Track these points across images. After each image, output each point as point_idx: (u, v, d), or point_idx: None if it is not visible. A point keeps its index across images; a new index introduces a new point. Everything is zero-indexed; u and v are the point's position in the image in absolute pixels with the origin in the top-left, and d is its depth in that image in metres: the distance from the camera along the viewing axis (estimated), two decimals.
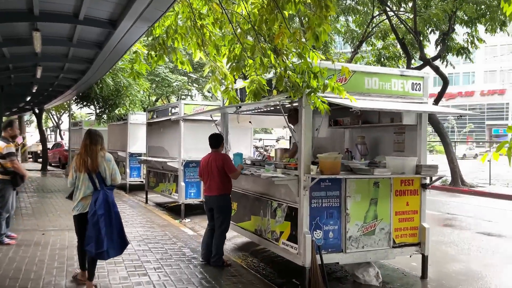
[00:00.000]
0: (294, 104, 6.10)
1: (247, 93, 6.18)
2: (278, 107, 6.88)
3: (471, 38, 17.01)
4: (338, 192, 5.83)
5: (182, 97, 26.03)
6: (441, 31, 16.94)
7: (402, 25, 17.14)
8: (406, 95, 6.25)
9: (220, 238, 6.41)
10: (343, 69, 5.36)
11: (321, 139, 8.95)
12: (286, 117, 6.31)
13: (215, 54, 6.26)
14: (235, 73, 6.07)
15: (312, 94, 5.26)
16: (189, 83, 25.47)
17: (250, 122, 8.77)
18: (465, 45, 17.08)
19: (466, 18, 16.32)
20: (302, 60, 5.29)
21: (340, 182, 5.80)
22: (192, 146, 10.97)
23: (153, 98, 25.14)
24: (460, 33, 17.46)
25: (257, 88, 5.90)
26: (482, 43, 17.46)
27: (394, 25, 17.02)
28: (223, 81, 6.43)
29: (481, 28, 16.59)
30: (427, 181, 6.32)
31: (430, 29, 16.87)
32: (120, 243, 5.10)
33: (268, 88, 6.14)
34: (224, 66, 6.35)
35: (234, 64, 5.95)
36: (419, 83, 6.33)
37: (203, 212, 11.83)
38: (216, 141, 6.60)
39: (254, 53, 5.62)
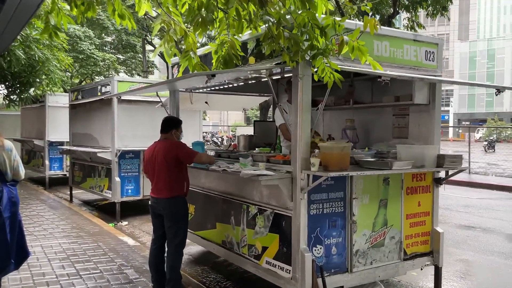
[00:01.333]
0: (287, 75, 4.53)
1: (212, 61, 4.49)
2: (252, 81, 5.29)
3: (411, 23, 16.43)
4: (342, 193, 4.37)
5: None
6: (382, 15, 16.16)
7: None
8: (419, 66, 4.90)
9: (175, 256, 4.71)
10: (357, 31, 3.83)
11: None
12: (286, 90, 4.63)
13: (169, 5, 4.46)
14: (199, 31, 4.34)
15: (319, 57, 3.70)
16: (118, 64, 22.87)
17: (206, 103, 7.04)
18: (406, 30, 16.45)
19: (407, 2, 15.69)
20: (301, 11, 3.71)
21: (345, 180, 4.35)
22: (129, 133, 9.02)
23: (76, 81, 22.25)
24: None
25: (229, 54, 4.23)
26: (421, 29, 16.98)
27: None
28: (181, 41, 4.67)
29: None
30: (441, 174, 5.06)
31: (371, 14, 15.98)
32: (19, 254, 4.36)
33: (242, 54, 4.50)
34: (182, 21, 4.58)
35: (198, 17, 4.21)
36: (433, 52, 5.01)
37: (143, 212, 10.12)
38: (166, 124, 4.85)
39: (228, 1, 3.92)
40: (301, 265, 4.05)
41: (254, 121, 7.52)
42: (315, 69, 3.84)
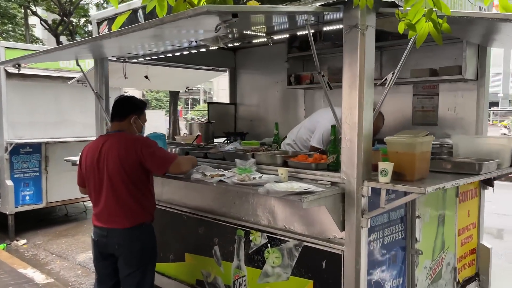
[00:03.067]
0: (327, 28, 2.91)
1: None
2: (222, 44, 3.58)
3: None
4: (402, 210, 2.92)
5: None
6: None
7: None
8: None
9: None
10: None
11: (252, 106, 5.85)
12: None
13: None
14: None
15: None
16: None
17: (146, 77, 5.08)
18: None
19: None
20: None
21: (402, 193, 2.89)
22: (25, 120, 6.65)
23: None
24: None
25: None
26: None
27: None
28: None
29: None
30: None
31: None
32: None
33: None
34: None
35: None
36: None
37: (48, 223, 7.55)
38: (120, 107, 2.98)
39: None
40: None
41: (209, 103, 5.75)
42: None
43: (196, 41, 3.69)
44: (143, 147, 2.79)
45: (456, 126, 4.00)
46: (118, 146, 2.82)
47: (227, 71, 5.96)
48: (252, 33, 3.35)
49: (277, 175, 2.86)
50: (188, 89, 6.47)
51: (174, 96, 17.88)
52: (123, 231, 2.83)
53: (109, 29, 4.40)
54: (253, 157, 3.16)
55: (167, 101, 33.61)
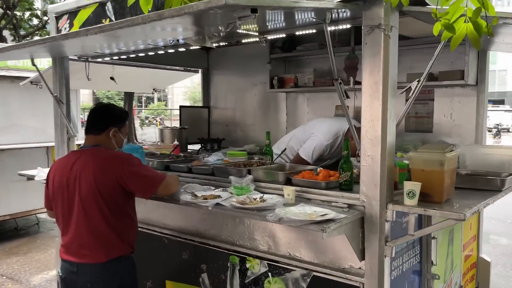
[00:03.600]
0: (341, 27, 2.56)
1: None
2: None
3: None
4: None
5: None
6: None
7: None
8: None
9: None
10: None
11: (227, 110, 5.45)
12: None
13: None
14: None
15: None
16: None
17: (112, 78, 4.55)
18: None
19: None
20: None
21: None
22: None
23: None
24: None
25: None
26: None
27: None
28: None
29: None
30: None
31: None
32: None
33: None
34: None
35: None
36: None
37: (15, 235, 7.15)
38: (98, 117, 2.51)
39: None
40: None
41: (181, 106, 5.28)
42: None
43: (178, 40, 3.26)
44: (125, 165, 2.33)
45: (452, 134, 3.80)
46: (93, 164, 2.34)
47: (200, 71, 5.51)
48: (244, 31, 2.95)
49: (279, 194, 2.50)
50: (156, 91, 5.97)
51: (129, 94, 17.04)
52: (97, 266, 2.36)
53: (71, 24, 3.87)
54: (249, 173, 2.77)
55: (120, 99, 32.28)
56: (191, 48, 3.88)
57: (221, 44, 4.54)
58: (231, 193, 2.60)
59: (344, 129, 3.45)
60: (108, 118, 2.46)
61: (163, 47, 3.67)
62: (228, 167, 2.94)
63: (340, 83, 2.28)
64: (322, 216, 2.09)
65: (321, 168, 2.74)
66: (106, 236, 2.37)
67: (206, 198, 2.53)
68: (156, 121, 32.38)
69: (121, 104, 30.85)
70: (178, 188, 2.57)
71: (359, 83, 4.06)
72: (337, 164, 3.03)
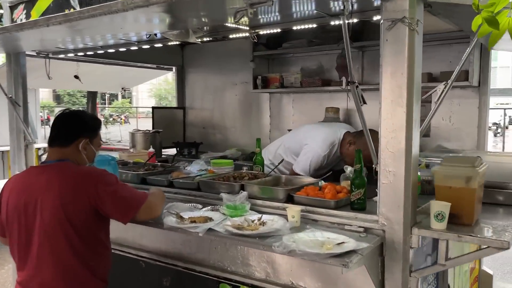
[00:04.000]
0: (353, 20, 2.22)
1: None
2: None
3: None
4: (435, 254, 2.34)
5: None
6: None
7: None
8: None
9: None
10: None
11: (205, 110, 5.05)
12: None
13: None
14: None
15: None
16: None
17: (76, 77, 4.06)
18: None
19: None
20: None
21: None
22: None
23: None
24: None
25: None
26: None
27: None
28: None
29: None
30: None
31: None
32: None
33: None
34: None
35: None
36: None
37: None
38: (66, 126, 2.07)
39: None
40: None
41: (153, 107, 4.83)
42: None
43: (155, 35, 2.85)
44: (99, 184, 1.91)
45: (451, 138, 3.56)
46: (59, 183, 1.91)
47: (174, 69, 5.08)
48: (233, 25, 2.58)
49: (280, 214, 2.16)
50: (125, 90, 5.48)
51: (92, 92, 16.28)
52: None
53: (28, 15, 3.38)
54: (242, 188, 2.40)
55: (82, 96, 30.98)
56: (167, 44, 3.49)
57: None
58: (224, 213, 2.22)
59: (340, 136, 3.12)
60: (78, 127, 2.03)
61: (136, 43, 3.25)
62: (216, 181, 2.55)
63: (357, 86, 1.94)
64: (340, 245, 1.75)
65: (324, 182, 2.41)
66: (75, 271, 1.94)
67: (194, 221, 2.14)
68: (121, 119, 31.41)
69: (84, 102, 29.69)
70: (163, 209, 2.17)
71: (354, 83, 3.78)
72: (334, 175, 2.74)
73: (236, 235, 1.96)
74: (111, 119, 32.02)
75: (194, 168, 3.16)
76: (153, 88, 37.92)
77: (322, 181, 2.51)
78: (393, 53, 1.86)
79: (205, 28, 2.60)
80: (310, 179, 2.61)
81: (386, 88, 1.90)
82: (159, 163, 3.33)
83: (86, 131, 2.05)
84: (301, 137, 3.23)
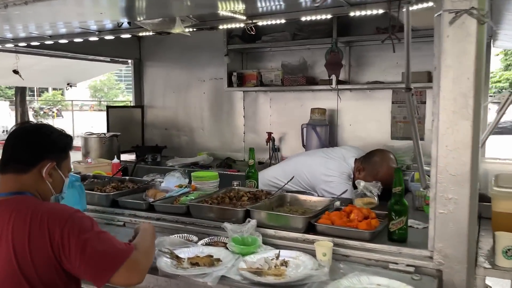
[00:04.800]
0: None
1: None
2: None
3: None
4: None
5: None
6: None
7: None
8: None
9: None
10: None
11: (166, 110, 4.50)
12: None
13: None
14: None
15: None
16: None
17: (16, 72, 3.36)
18: None
19: None
20: None
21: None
22: None
23: None
24: None
25: None
26: None
27: None
28: None
29: None
30: None
31: None
32: None
33: None
34: None
35: None
36: None
37: None
38: (25, 146, 1.49)
39: None
40: None
41: (108, 107, 4.19)
42: None
43: (122, 24, 2.30)
44: (68, 229, 1.37)
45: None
46: (13, 226, 1.37)
47: (130, 63, 4.47)
48: (229, 14, 2.11)
49: (298, 248, 1.75)
50: (71, 86, 4.77)
51: None
52: None
53: None
54: (248, 215, 1.95)
55: (7, 88, 28.50)
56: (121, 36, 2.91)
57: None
58: (231, 250, 1.77)
59: (352, 164, 2.68)
60: (41, 146, 1.48)
61: (96, 32, 2.67)
62: (213, 206, 2.07)
63: (412, 95, 1.56)
64: None
65: (349, 204, 2.03)
66: None
67: (197, 263, 1.67)
68: (53, 112, 29.41)
69: (9, 94, 27.28)
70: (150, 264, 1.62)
71: (343, 82, 3.44)
72: None
73: (259, 284, 1.52)
74: (42, 112, 29.85)
75: (170, 182, 2.67)
76: (88, 79, 35.85)
77: (338, 202, 2.13)
78: (456, 53, 1.49)
79: (192, 16, 2.11)
80: (323, 199, 2.21)
81: (446, 96, 1.53)
82: (126, 178, 2.77)
83: (52, 152, 1.51)
84: (312, 171, 2.72)
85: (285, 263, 1.67)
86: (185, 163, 3.72)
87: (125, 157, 4.15)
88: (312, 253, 1.72)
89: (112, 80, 36.79)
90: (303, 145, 3.57)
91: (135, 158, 4.13)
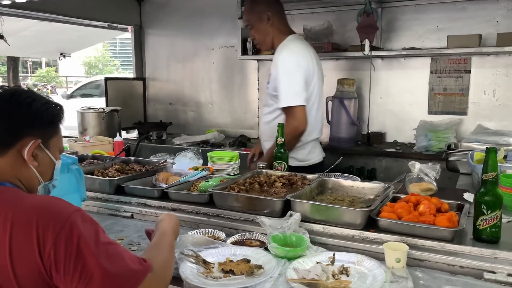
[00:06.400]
0: None
1: None
2: None
3: None
4: None
5: None
6: None
7: None
8: None
9: None
10: None
11: (171, 83, 4.06)
12: None
13: None
14: None
15: None
16: None
17: (1, 37, 2.91)
18: None
19: None
20: None
21: None
22: None
23: None
24: None
25: None
26: None
27: None
28: None
29: None
30: None
31: None
32: None
33: None
34: None
35: None
36: None
37: None
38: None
39: None
40: None
41: (106, 78, 3.74)
42: None
43: None
44: (64, 237, 0.97)
45: (495, 117, 2.93)
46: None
47: (130, 30, 4.00)
48: None
49: (352, 248, 1.38)
50: (64, 56, 4.31)
51: (13, 59, 14.28)
52: None
53: None
54: (288, 206, 1.56)
55: (0, 64, 27.74)
56: None
57: None
58: (274, 252, 1.38)
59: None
60: (19, 119, 1.08)
61: None
62: (243, 194, 1.68)
63: None
64: None
65: (412, 192, 1.64)
66: None
67: (231, 271, 1.29)
68: (47, 89, 28.85)
69: (2, 70, 26.58)
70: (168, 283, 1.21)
71: (377, 48, 3.01)
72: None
73: None
74: (36, 89, 29.24)
75: (183, 164, 2.28)
76: (81, 55, 35.00)
77: (392, 187, 1.74)
78: None
79: None
80: (373, 185, 1.81)
81: None
82: (132, 158, 2.36)
83: (35, 126, 1.10)
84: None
85: (345, 271, 1.29)
86: (194, 142, 3.32)
87: (124, 134, 3.74)
88: (375, 256, 1.35)
89: (107, 56, 36.01)
90: (328, 121, 3.17)
91: (137, 136, 3.73)
